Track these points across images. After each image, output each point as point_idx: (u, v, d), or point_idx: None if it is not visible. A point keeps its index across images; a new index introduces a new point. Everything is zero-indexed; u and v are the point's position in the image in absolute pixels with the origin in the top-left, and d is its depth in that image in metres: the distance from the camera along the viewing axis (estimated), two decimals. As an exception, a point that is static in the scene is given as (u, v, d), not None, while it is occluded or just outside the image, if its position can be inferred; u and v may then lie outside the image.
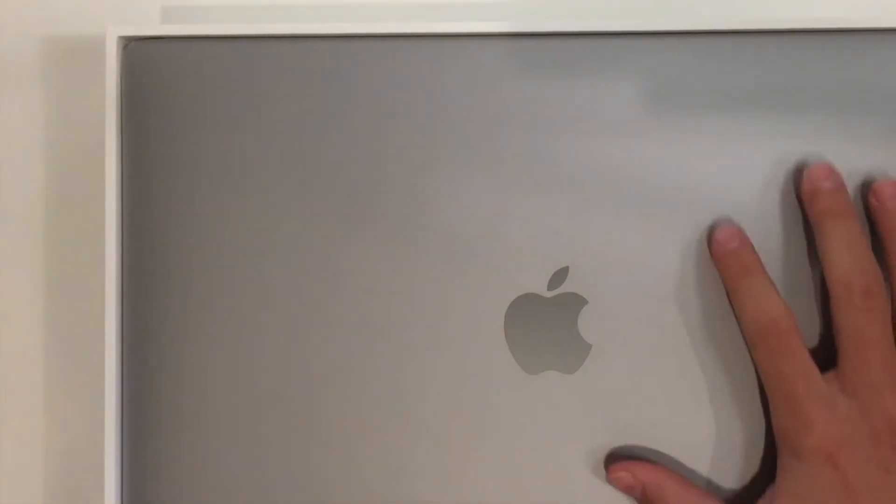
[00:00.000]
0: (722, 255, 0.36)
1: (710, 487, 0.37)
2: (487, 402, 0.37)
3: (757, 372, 0.36)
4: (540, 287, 0.37)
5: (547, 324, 0.37)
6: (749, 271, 0.35)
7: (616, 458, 0.37)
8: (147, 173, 0.38)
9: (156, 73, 0.38)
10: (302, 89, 0.38)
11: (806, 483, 0.34)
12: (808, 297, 0.37)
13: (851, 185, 0.37)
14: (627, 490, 0.36)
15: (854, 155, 0.37)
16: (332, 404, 0.37)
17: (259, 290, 0.38)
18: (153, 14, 0.44)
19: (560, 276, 0.37)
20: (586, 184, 0.37)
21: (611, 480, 0.36)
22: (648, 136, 0.37)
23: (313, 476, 0.37)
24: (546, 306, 0.37)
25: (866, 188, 0.37)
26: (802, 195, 0.36)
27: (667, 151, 0.37)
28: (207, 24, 0.39)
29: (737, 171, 0.37)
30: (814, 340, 0.37)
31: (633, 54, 0.38)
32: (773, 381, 0.35)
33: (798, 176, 0.36)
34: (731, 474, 0.37)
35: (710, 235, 0.36)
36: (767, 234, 0.37)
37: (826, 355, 0.36)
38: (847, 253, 0.34)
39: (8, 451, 0.42)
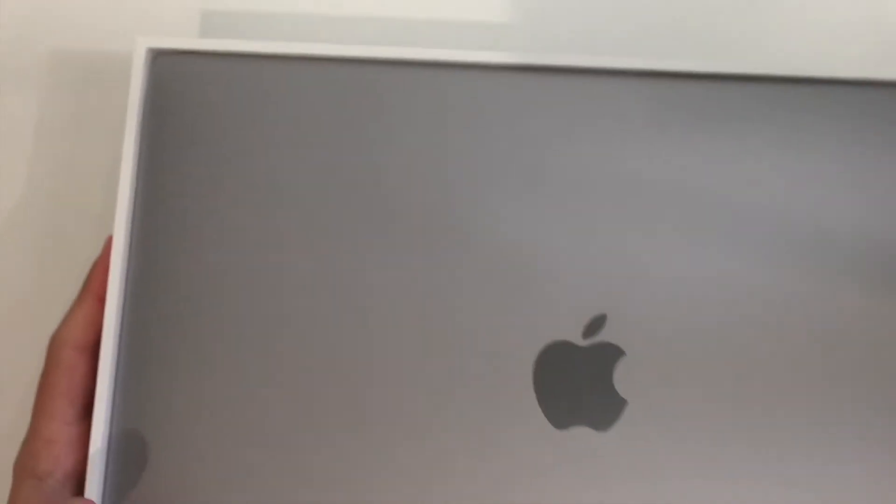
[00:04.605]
0: None
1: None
2: (511, 457, 0.34)
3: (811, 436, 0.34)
4: (574, 335, 0.35)
5: (579, 375, 0.34)
6: None
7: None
8: (164, 183, 0.36)
9: (182, 86, 0.37)
10: (326, 111, 0.36)
11: None
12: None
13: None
14: None
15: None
16: (347, 451, 0.34)
17: (273, 319, 0.35)
18: (192, 24, 0.43)
19: (597, 324, 0.35)
20: (627, 228, 0.35)
21: None
22: (693, 185, 0.36)
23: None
24: (579, 356, 0.34)
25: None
26: None
27: (711, 197, 0.35)
28: (236, 41, 0.38)
29: (784, 221, 0.35)
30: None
31: (669, 94, 0.36)
32: None
33: None
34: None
35: None
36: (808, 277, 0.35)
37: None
38: None
39: (5, 452, 0.39)
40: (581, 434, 0.34)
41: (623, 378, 0.34)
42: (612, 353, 0.35)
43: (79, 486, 0.35)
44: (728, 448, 0.34)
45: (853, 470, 0.34)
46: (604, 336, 0.35)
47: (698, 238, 0.35)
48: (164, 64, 0.37)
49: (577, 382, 0.34)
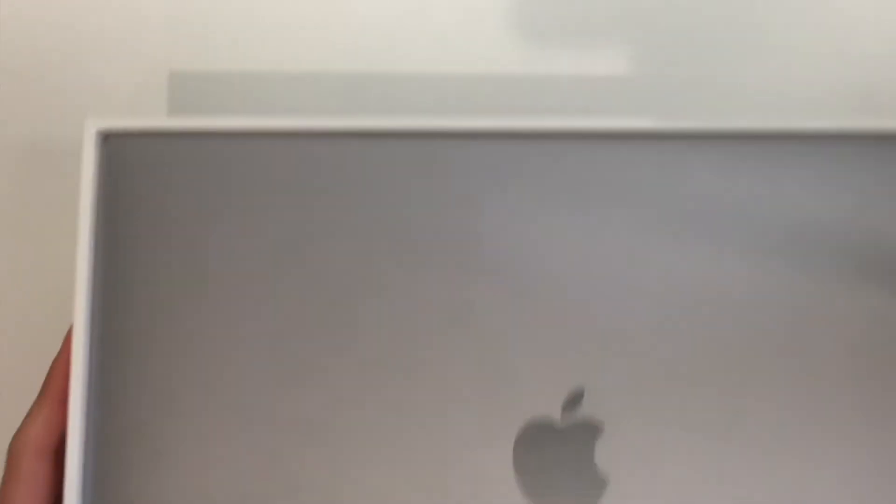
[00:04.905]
0: None
1: None
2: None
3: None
4: (551, 412, 0.33)
5: (560, 456, 0.33)
6: None
7: None
8: (124, 273, 0.35)
9: (136, 168, 0.36)
10: (290, 186, 0.35)
11: None
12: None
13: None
14: None
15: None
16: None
17: (245, 412, 0.34)
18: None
19: (574, 399, 0.33)
20: (597, 297, 0.34)
21: None
22: (666, 247, 0.34)
23: None
24: (559, 437, 0.33)
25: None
26: None
27: (688, 259, 0.34)
28: (192, 118, 0.36)
29: (762, 284, 0.34)
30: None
31: (655, 158, 0.35)
32: None
33: None
34: None
35: None
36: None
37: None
38: None
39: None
40: (563, 517, 0.33)
41: (604, 455, 0.33)
42: (591, 431, 0.33)
43: None
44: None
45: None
46: (582, 411, 0.33)
47: (674, 304, 0.34)
48: (116, 145, 0.36)
49: (558, 463, 0.33)
